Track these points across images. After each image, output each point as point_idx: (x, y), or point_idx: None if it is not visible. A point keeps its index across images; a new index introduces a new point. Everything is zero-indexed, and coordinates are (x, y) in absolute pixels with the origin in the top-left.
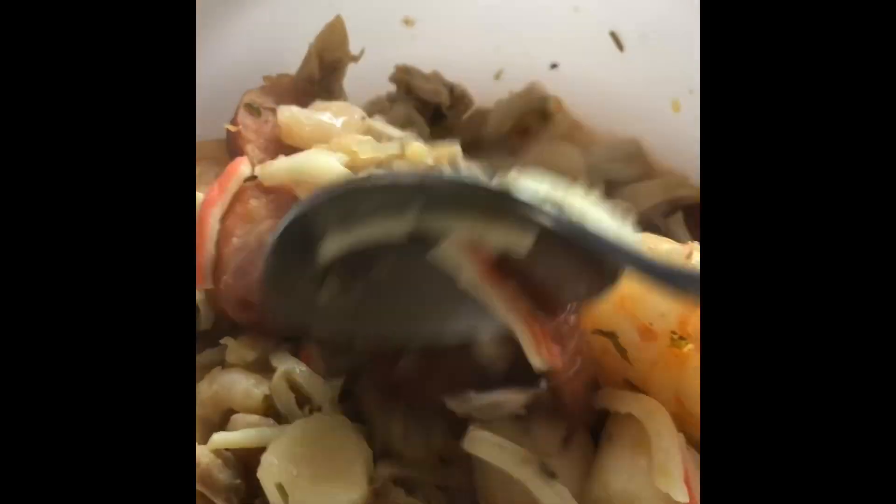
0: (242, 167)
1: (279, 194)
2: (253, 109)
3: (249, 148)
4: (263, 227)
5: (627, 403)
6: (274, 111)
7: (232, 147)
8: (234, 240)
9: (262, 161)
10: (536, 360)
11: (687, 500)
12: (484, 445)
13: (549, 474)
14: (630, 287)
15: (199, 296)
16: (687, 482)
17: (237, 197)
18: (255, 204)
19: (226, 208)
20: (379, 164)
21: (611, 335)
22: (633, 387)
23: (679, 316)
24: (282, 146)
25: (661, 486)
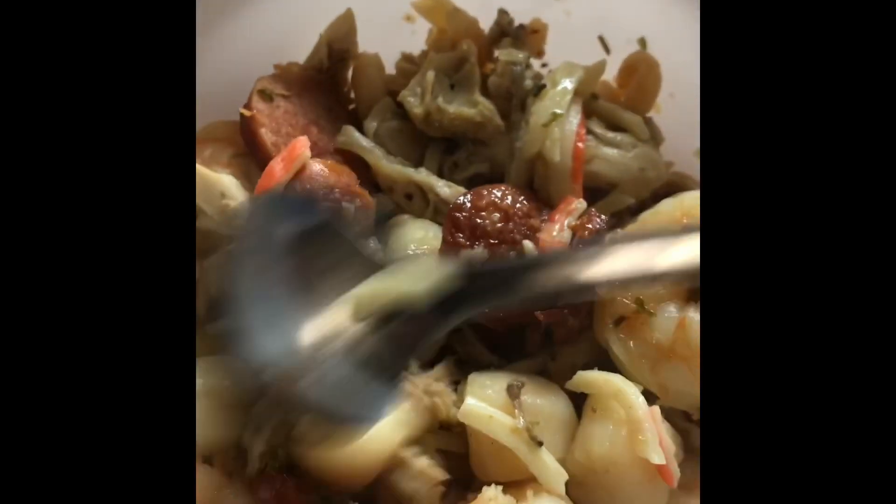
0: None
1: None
2: (266, 95)
3: (263, 131)
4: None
5: (599, 385)
6: (285, 97)
7: (246, 130)
8: None
9: (274, 144)
10: None
11: (664, 462)
12: (477, 416)
13: (537, 443)
14: (692, 205)
15: None
16: (662, 446)
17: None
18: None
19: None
20: None
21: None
22: None
23: None
24: (293, 129)
25: (638, 452)
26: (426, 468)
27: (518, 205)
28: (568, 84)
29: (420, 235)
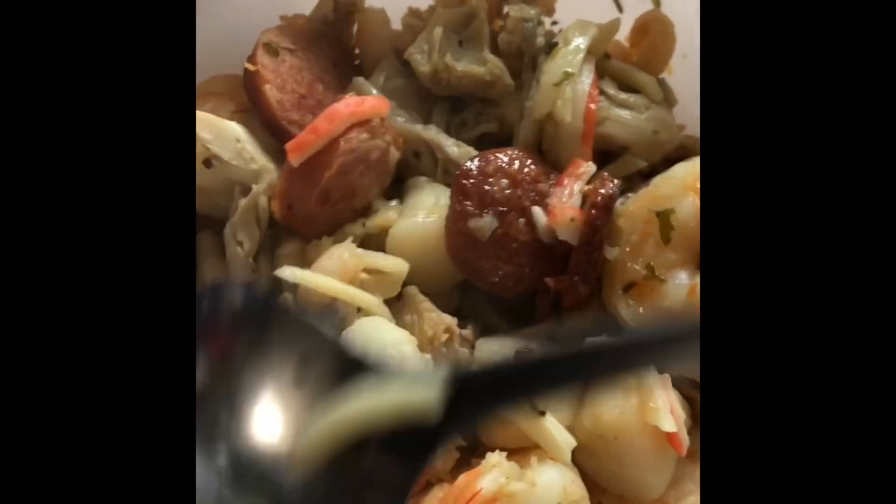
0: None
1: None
2: (271, 49)
3: (267, 88)
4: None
5: None
6: (291, 51)
7: (250, 85)
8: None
9: (279, 102)
10: None
11: (675, 430)
12: None
13: (539, 412)
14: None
15: None
16: (672, 414)
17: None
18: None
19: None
20: None
21: (666, 212)
22: None
23: None
24: (298, 86)
25: (649, 420)
26: None
27: (526, 169)
28: (580, 43)
29: (430, 202)
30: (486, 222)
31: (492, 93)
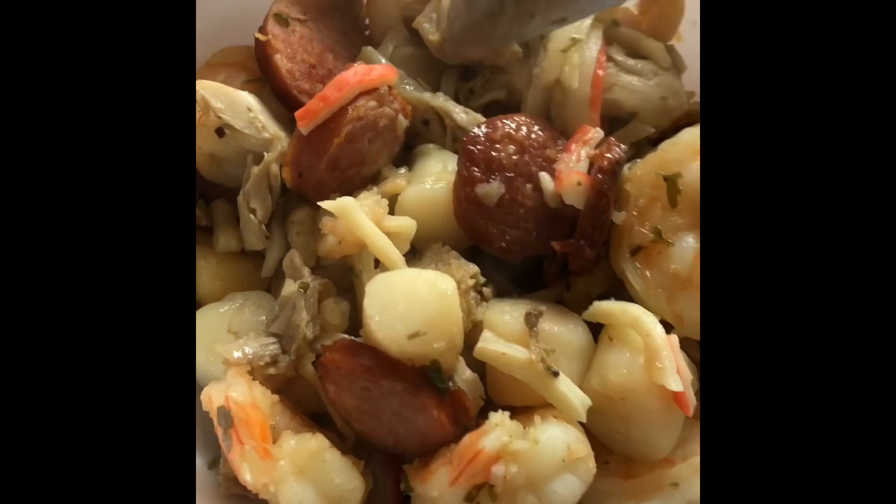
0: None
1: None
2: (282, 20)
3: (278, 57)
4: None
5: (616, 315)
6: (301, 21)
7: (260, 55)
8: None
9: (290, 71)
10: None
11: (682, 389)
12: (490, 354)
13: (553, 372)
14: None
15: None
16: (679, 375)
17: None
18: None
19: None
20: None
21: (673, 177)
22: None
23: None
24: (309, 55)
25: (656, 379)
26: (472, 380)
27: (533, 135)
28: None
29: (438, 169)
30: (493, 188)
31: (500, 60)
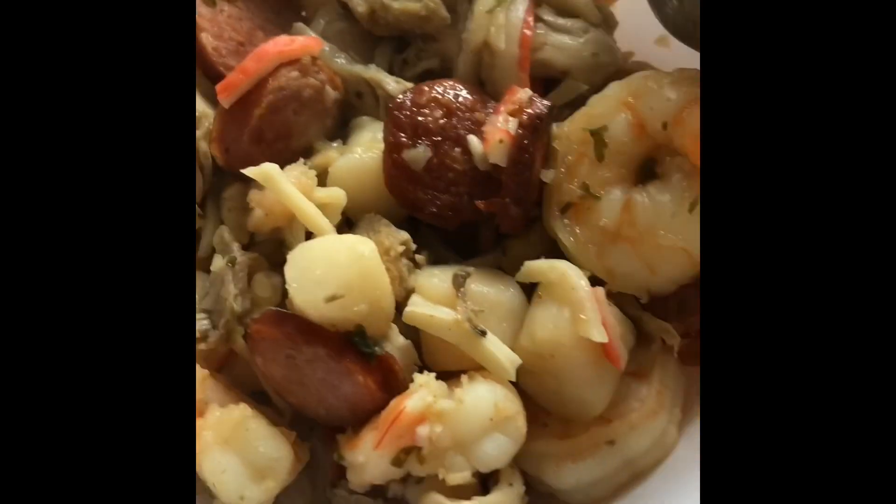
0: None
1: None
2: (208, 0)
3: (203, 36)
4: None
5: (545, 272)
6: (229, 1)
7: None
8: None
9: (215, 48)
10: None
11: (606, 340)
12: (418, 317)
13: (480, 332)
14: (640, 86)
15: None
16: (605, 326)
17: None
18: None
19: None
20: None
21: (599, 130)
22: None
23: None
24: (237, 33)
25: (580, 332)
26: (405, 346)
27: (461, 99)
28: None
29: (369, 137)
30: (419, 152)
31: (429, 28)
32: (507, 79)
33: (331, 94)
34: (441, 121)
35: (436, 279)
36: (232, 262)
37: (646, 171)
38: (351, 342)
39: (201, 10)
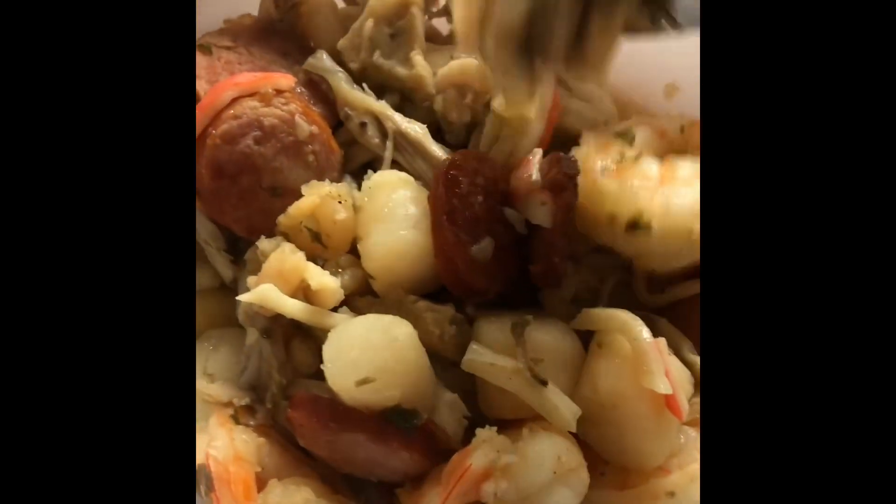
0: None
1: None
2: (204, 49)
3: (200, 83)
4: None
5: (604, 321)
6: (229, 48)
7: None
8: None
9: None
10: None
11: (671, 392)
12: (478, 365)
13: (541, 382)
14: None
15: None
16: (668, 377)
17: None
18: None
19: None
20: None
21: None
22: None
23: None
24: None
25: (645, 384)
26: (453, 401)
27: (488, 173)
28: None
29: (402, 212)
30: (485, 245)
31: (415, 97)
32: (532, 144)
33: (304, 126)
34: (484, 205)
35: (494, 327)
36: (267, 332)
37: None
38: (388, 420)
39: (198, 61)
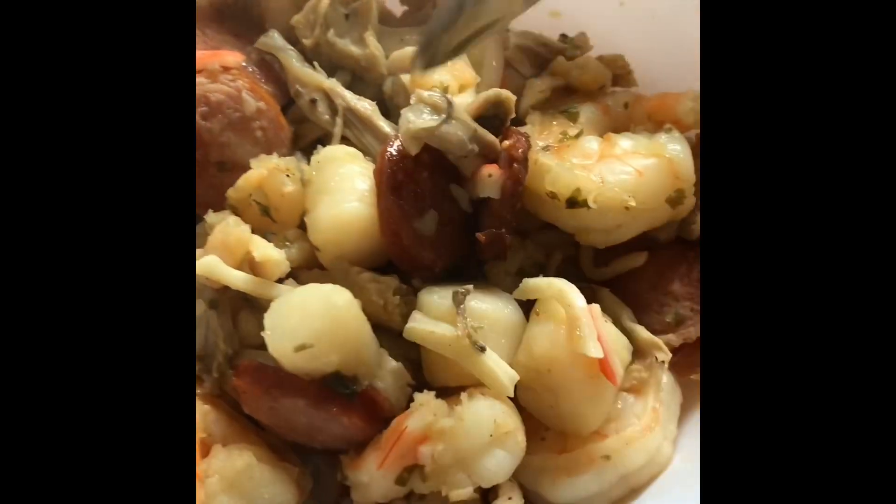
0: None
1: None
2: None
3: None
4: None
5: (543, 289)
6: None
7: None
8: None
9: None
10: None
11: (601, 356)
12: (419, 332)
13: (480, 348)
14: None
15: None
16: (601, 342)
17: None
18: None
19: None
20: None
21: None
22: None
23: None
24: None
25: (577, 348)
26: (396, 369)
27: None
28: None
29: (348, 184)
30: (429, 219)
31: (367, 76)
32: None
33: (251, 102)
34: (430, 181)
35: (436, 296)
36: (213, 304)
37: None
38: (328, 386)
39: None
